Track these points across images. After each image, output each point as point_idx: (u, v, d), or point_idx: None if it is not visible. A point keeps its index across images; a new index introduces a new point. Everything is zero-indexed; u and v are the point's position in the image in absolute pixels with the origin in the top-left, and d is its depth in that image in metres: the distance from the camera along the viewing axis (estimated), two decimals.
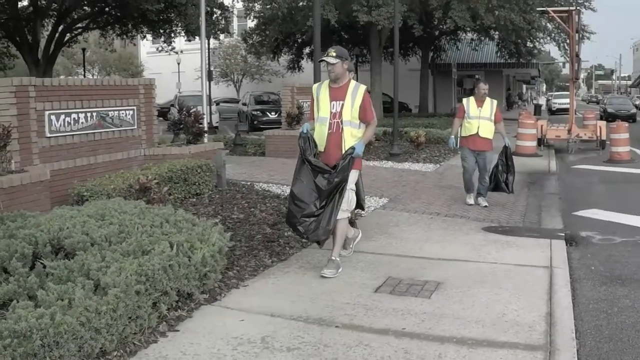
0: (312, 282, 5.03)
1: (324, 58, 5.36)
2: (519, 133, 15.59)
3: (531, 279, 5.09)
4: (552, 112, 44.25)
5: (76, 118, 7.76)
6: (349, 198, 5.32)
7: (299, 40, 31.19)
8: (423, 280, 5.09)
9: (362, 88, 5.41)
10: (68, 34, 21.08)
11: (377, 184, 10.66)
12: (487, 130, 8.43)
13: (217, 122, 27.92)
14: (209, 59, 25.26)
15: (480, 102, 8.49)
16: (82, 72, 30.64)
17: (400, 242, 6.49)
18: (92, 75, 41.61)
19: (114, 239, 4.45)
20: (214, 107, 27.34)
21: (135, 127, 8.96)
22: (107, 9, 20.70)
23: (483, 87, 8.55)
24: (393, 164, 13.28)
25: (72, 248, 4.33)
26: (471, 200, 8.67)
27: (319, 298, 4.63)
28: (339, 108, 5.32)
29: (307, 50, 33.21)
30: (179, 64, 40.99)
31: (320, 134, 5.39)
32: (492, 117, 8.44)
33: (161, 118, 25.56)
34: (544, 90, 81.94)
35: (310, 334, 3.94)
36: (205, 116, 10.76)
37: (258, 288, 4.89)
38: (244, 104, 29.81)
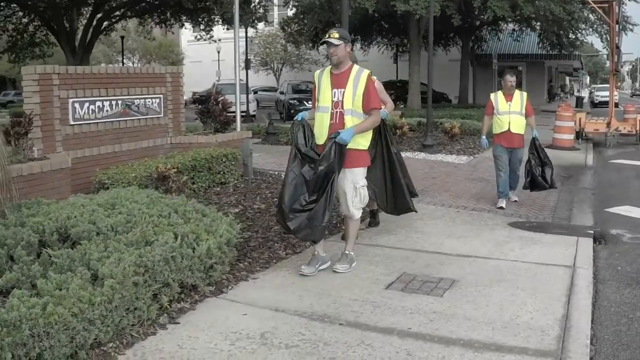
0: (324, 277, 4.91)
1: (326, 39, 4.95)
2: (556, 125, 15.08)
3: (551, 279, 4.85)
4: (594, 104, 42.93)
5: (101, 106, 7.80)
6: (362, 195, 5.06)
7: None
8: (438, 277, 4.91)
9: (365, 73, 4.97)
10: (105, 22, 21.38)
11: None
12: (519, 125, 7.85)
13: (254, 111, 28.06)
14: (246, 47, 25.29)
15: (509, 96, 7.89)
16: (121, 60, 31.13)
17: (421, 237, 6.30)
18: (133, 63, 42.23)
19: (121, 228, 4.42)
20: (251, 96, 27.41)
21: (162, 115, 8.98)
22: None
23: (509, 79, 7.91)
24: (426, 155, 13.02)
25: (77, 237, 4.32)
26: (503, 204, 7.82)
27: (328, 293, 4.50)
28: (341, 96, 4.92)
29: None
30: (218, 52, 41.24)
31: (321, 125, 4.99)
32: (523, 111, 7.87)
33: (200, 106, 25.81)
34: (588, 82, 79.40)
35: (312, 330, 3.82)
36: (233, 104, 10.66)
37: (268, 281, 4.80)
38: (282, 93, 29.80)
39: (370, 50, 34.20)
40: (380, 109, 5.24)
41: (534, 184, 7.99)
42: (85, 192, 6.60)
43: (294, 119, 5.04)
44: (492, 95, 8.16)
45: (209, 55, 43.66)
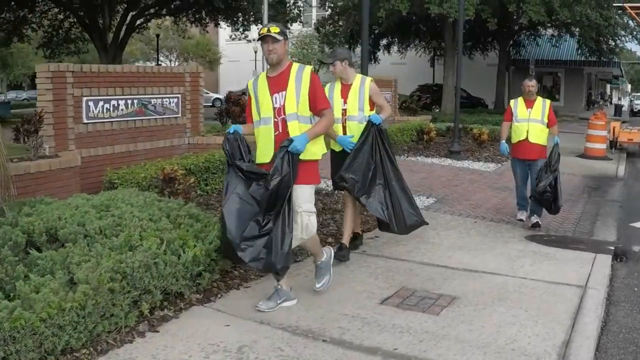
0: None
1: (265, 33, 4.16)
2: (588, 134, 14.56)
3: (558, 300, 4.57)
4: (633, 113, 41.64)
5: (116, 105, 7.79)
6: (304, 224, 4.15)
7: (376, 32, 30.74)
8: (438, 293, 4.68)
9: (308, 69, 4.26)
10: (139, 20, 21.61)
11: (428, 182, 10.20)
12: (538, 134, 7.13)
13: None
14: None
15: (529, 102, 7.26)
16: (157, 58, 31.53)
17: (430, 248, 6.07)
18: (170, 62, 42.74)
19: (109, 231, 4.34)
20: None
21: (180, 115, 8.93)
22: None
23: (528, 83, 7.26)
24: (452, 161, 12.71)
25: (64, 239, 4.25)
26: (523, 216, 7.37)
27: (318, 306, 4.33)
28: (282, 100, 4.19)
29: (384, 41, 32.71)
30: (255, 52, 41.36)
31: (266, 139, 4.22)
32: (544, 119, 7.18)
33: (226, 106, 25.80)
34: (629, 90, 76.95)
35: (293, 347, 3.66)
36: None
37: (259, 290, 4.64)
38: None
39: (407, 54, 33.86)
40: (329, 108, 4.41)
41: (541, 201, 7.00)
42: (97, 191, 6.58)
43: (226, 132, 4.26)
44: (512, 101, 7.61)
45: (246, 55, 43.87)
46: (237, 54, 45.16)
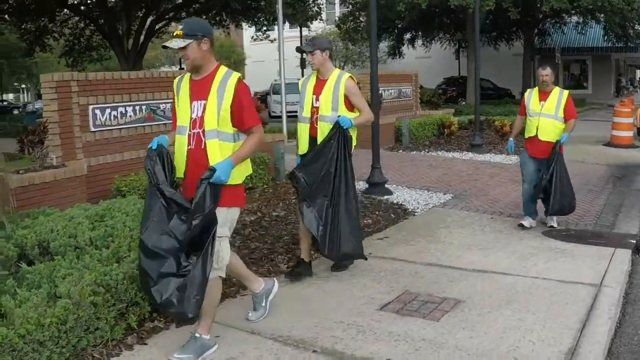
0: (316, 294, 4.58)
1: (166, 43, 3.57)
2: (614, 122, 14.08)
3: (570, 301, 4.33)
4: None
5: (123, 111, 7.76)
6: (217, 250, 3.45)
7: (399, 26, 30.41)
8: (442, 296, 4.49)
9: (235, 77, 3.51)
10: (158, 25, 21.72)
11: (447, 178, 9.96)
12: (549, 131, 6.37)
13: None
14: (301, 46, 25.13)
15: (544, 94, 6.50)
16: (179, 62, 31.69)
17: (441, 247, 5.87)
18: None
19: (100, 242, 4.27)
20: None
21: None
22: None
23: (542, 72, 6.48)
24: (473, 155, 12.40)
25: (55, 252, 4.19)
26: (527, 223, 6.55)
27: (314, 314, 4.18)
28: (201, 111, 3.50)
29: (407, 35, 32.35)
30: (279, 52, 41.41)
31: (180, 152, 3.57)
32: (559, 114, 6.37)
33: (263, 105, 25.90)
34: None
35: (281, 358, 3.52)
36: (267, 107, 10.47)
37: None
38: None
39: (432, 47, 33.42)
40: (258, 125, 3.64)
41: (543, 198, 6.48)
42: (106, 199, 6.55)
43: (148, 147, 3.53)
44: (527, 92, 6.87)
45: (271, 55, 43.84)
46: (262, 55, 45.22)
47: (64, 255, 4.07)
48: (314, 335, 3.81)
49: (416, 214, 7.51)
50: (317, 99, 4.85)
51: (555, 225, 6.61)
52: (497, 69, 31.92)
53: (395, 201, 8.11)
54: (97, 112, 7.39)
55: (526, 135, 6.70)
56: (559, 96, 6.48)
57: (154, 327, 3.94)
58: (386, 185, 8.78)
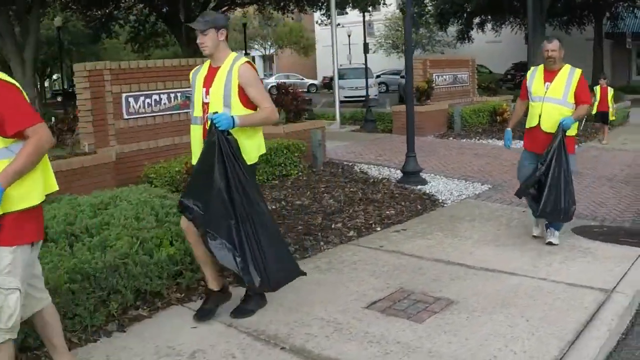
0: (306, 288, 4.48)
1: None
2: None
3: (572, 307, 4.05)
4: None
5: (157, 99, 7.92)
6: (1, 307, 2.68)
7: (467, 10, 29.51)
8: (436, 296, 4.31)
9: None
10: (219, 10, 22.01)
11: (489, 167, 9.63)
12: (553, 120, 5.15)
13: (375, 95, 27.79)
14: (364, 31, 24.96)
15: (549, 74, 5.30)
16: (244, 47, 32.09)
17: (456, 243, 5.65)
18: (265, 49, 43.33)
19: (95, 230, 4.38)
20: (371, 80, 27.08)
21: None
22: None
23: (548, 46, 5.27)
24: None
25: (51, 239, 4.34)
26: (536, 232, 5.70)
27: (297, 309, 4.12)
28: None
29: (477, 20, 31.35)
30: (349, 36, 41.14)
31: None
32: (568, 99, 5.19)
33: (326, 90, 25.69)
34: None
35: (247, 353, 3.49)
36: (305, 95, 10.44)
37: (243, 289, 4.50)
38: (402, 77, 29.07)
39: (502, 31, 32.23)
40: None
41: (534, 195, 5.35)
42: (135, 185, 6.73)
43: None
44: (529, 71, 5.61)
45: (340, 39, 43.68)
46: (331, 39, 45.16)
47: (57, 243, 4.20)
48: (288, 331, 3.76)
49: (445, 205, 7.29)
50: (207, 93, 3.83)
51: (554, 241, 5.37)
52: (568, 54, 30.30)
53: (427, 191, 7.91)
54: (131, 100, 7.58)
55: (527, 126, 5.50)
56: (568, 77, 5.27)
57: (137, 315, 4.01)
58: (422, 175, 8.57)
